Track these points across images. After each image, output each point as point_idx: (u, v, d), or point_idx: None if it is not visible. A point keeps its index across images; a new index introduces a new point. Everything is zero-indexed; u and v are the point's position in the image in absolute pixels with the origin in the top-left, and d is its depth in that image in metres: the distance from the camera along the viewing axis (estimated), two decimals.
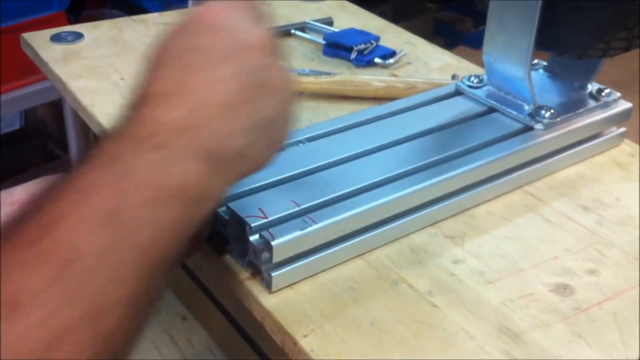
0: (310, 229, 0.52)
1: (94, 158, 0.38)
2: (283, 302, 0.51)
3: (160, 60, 0.42)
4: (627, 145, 0.71)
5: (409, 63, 0.90)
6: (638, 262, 0.56)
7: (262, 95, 0.42)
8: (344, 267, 0.55)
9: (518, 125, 0.66)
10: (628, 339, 0.49)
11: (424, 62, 0.91)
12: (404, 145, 0.63)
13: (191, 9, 0.46)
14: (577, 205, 0.63)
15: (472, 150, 0.62)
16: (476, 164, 0.60)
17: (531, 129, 0.65)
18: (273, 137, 0.45)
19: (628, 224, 0.60)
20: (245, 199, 0.54)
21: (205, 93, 0.40)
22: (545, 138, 0.64)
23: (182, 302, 0.91)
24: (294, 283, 0.53)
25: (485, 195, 0.62)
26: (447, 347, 0.48)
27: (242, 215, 0.52)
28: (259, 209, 0.52)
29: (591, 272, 0.55)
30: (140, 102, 0.40)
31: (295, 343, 0.48)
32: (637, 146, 0.71)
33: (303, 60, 0.90)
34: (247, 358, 0.76)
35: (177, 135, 0.38)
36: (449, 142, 0.63)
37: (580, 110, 0.68)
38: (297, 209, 0.54)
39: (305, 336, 0.48)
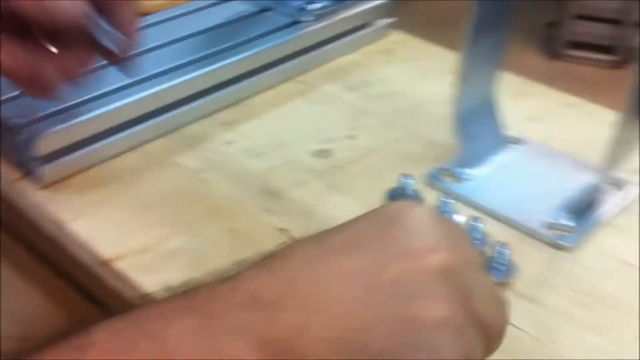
0: (77, 120, 0.53)
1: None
2: (54, 194, 0.53)
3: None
4: (395, 35, 0.77)
5: None
6: (394, 127, 0.62)
7: (389, 320, 0.30)
8: (119, 160, 0.57)
9: (288, 20, 0.70)
10: (377, 186, 0.54)
11: None
12: (180, 43, 0.66)
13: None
14: (345, 87, 0.68)
15: (244, 43, 0.66)
16: (246, 54, 0.64)
17: (300, 22, 0.69)
18: None
19: (388, 97, 0.66)
20: (12, 102, 0.55)
21: (313, 274, 0.31)
22: (312, 29, 0.69)
23: None
24: (67, 177, 0.54)
25: (259, 86, 0.66)
26: (213, 210, 0.52)
27: (8, 115, 0.52)
28: (27, 110, 0.53)
29: (350, 137, 0.60)
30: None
31: (63, 228, 0.50)
32: (404, 35, 0.77)
33: None
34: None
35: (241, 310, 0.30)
36: (223, 39, 0.66)
37: (348, 2, 0.73)
38: (66, 105, 0.55)
39: (76, 220, 0.50)
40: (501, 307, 0.33)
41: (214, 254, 0.48)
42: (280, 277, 0.31)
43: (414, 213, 0.33)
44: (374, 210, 0.34)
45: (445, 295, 0.30)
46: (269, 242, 0.49)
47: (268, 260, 0.32)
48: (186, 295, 0.31)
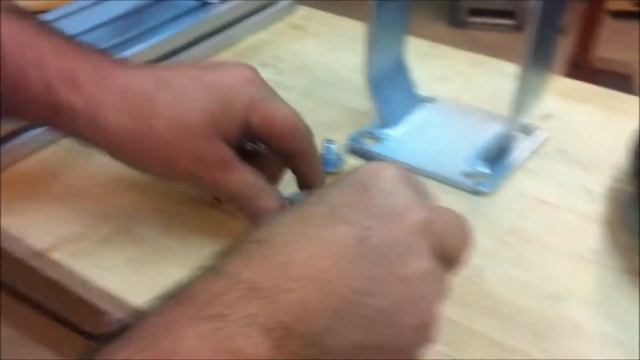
0: None
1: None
2: None
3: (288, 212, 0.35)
4: (303, 11, 0.79)
5: None
6: (312, 98, 0.63)
7: (379, 278, 0.32)
8: (44, 152, 0.56)
9: (194, 4, 0.70)
10: None
11: None
12: (87, 35, 0.65)
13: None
14: (258, 64, 0.68)
15: (152, 29, 0.66)
16: (155, 40, 0.64)
17: (207, 4, 0.70)
18: (371, 338, 0.32)
19: (302, 70, 0.68)
20: None
21: (303, 252, 0.32)
22: (219, 10, 0.70)
23: None
24: None
25: None
26: (142, 194, 0.52)
27: None
28: None
29: None
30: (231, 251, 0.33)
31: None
32: (313, 10, 0.78)
33: None
34: None
35: (243, 303, 0.30)
36: (131, 27, 0.66)
37: None
38: None
39: (5, 217, 0.50)
40: (466, 235, 0.37)
41: (148, 235, 0.48)
42: (273, 263, 0.31)
43: (383, 175, 0.35)
44: (346, 176, 0.35)
45: (426, 248, 0.33)
46: (199, 215, 0.50)
47: (255, 246, 0.32)
48: (182, 300, 0.31)
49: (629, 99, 0.62)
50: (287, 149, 0.46)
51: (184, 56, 0.67)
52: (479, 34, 2.55)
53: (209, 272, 0.32)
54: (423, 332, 0.34)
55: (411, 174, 0.36)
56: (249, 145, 0.47)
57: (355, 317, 0.31)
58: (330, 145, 0.54)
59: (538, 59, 0.51)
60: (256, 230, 0.33)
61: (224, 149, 0.44)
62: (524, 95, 0.52)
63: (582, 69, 1.94)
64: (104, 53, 0.47)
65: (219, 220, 0.50)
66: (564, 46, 2.01)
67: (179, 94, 0.44)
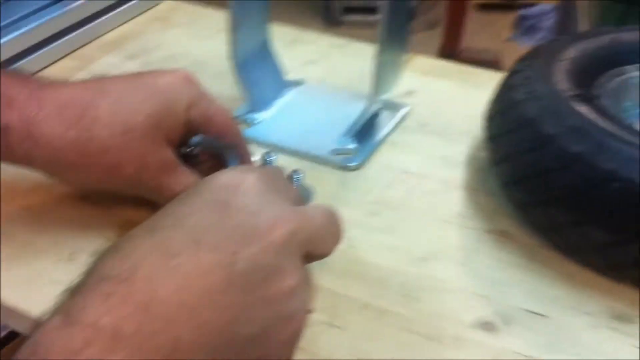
0: None
1: None
2: None
3: (141, 228, 0.32)
4: (167, 3, 0.78)
5: None
6: None
7: (247, 305, 0.31)
8: None
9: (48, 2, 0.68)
10: None
11: None
12: None
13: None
14: (124, 56, 0.68)
15: (13, 23, 0.64)
16: (15, 33, 0.62)
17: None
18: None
19: (169, 60, 0.67)
20: None
21: (167, 287, 0.29)
22: (81, 2, 0.68)
23: None
24: None
25: (36, 64, 0.64)
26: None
27: None
28: None
29: None
30: (85, 286, 0.30)
31: None
32: (176, 2, 0.78)
33: None
34: None
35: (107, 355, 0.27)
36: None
37: None
38: None
39: None
40: (336, 231, 0.37)
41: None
42: (135, 303, 0.28)
43: (243, 189, 0.33)
44: (202, 191, 0.34)
45: (292, 264, 0.33)
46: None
47: (112, 285, 0.29)
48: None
49: (485, 74, 0.66)
50: (225, 142, 0.46)
51: (48, 49, 0.65)
52: (354, 32, 2.60)
53: (62, 317, 0.28)
54: (295, 340, 0.34)
55: (271, 173, 0.36)
56: (183, 149, 0.47)
57: (228, 348, 0.31)
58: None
59: (392, 41, 0.53)
60: (107, 260, 0.30)
61: (167, 152, 0.44)
62: (383, 74, 0.54)
63: (452, 59, 2.02)
64: (40, 77, 0.45)
65: (88, 215, 0.49)
66: (435, 39, 2.10)
67: (120, 100, 0.43)
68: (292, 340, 0.34)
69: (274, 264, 0.32)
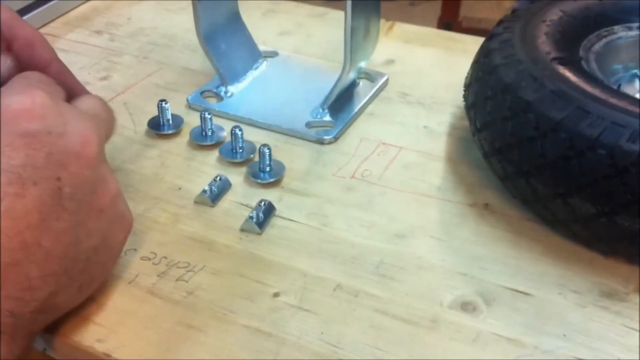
0: None
1: None
2: None
3: None
4: None
5: None
6: (149, 61, 0.60)
7: (83, 222, 0.33)
8: None
9: None
10: (138, 119, 0.53)
11: None
12: None
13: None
14: (91, 32, 0.65)
15: None
16: None
17: None
18: (94, 271, 0.35)
19: (138, 35, 0.64)
20: None
21: (5, 232, 0.30)
22: None
23: None
24: None
25: None
26: None
27: None
28: None
29: (104, 78, 0.58)
30: None
31: None
32: None
33: None
34: None
35: None
36: None
37: None
38: None
39: None
40: (113, 117, 0.40)
41: None
42: None
43: (39, 113, 0.33)
44: None
45: (107, 166, 0.36)
46: None
47: None
48: None
49: (468, 39, 0.62)
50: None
51: None
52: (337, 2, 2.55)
53: None
54: (128, 231, 0.38)
55: (45, 81, 0.36)
56: None
57: (76, 265, 0.33)
58: (164, 105, 0.51)
59: (363, 5, 0.50)
60: None
61: None
62: (356, 41, 0.51)
63: (451, 29, 1.98)
64: None
65: None
66: (435, 9, 2.06)
67: None
68: (127, 235, 0.38)
69: (95, 176, 0.34)
